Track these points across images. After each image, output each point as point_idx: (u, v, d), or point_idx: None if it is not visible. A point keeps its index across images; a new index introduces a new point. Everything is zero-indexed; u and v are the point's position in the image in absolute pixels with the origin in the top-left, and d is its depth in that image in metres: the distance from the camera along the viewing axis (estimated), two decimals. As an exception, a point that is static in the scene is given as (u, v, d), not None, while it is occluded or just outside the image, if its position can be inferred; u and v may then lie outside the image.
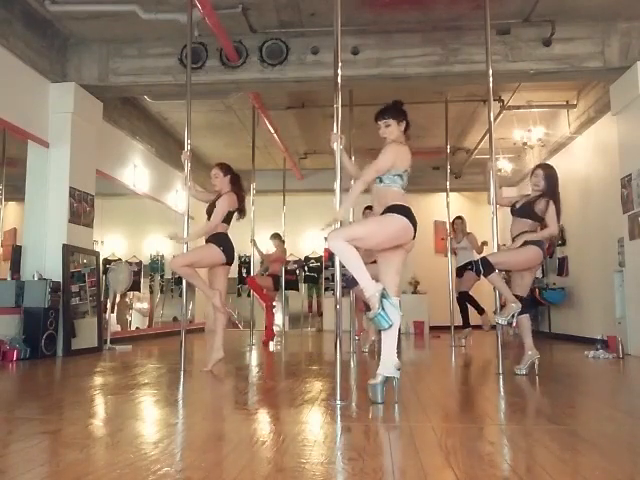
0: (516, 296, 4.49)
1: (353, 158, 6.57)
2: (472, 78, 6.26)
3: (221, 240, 4.64)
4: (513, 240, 4.61)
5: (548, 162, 6.72)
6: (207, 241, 4.67)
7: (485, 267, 4.39)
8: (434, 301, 10.73)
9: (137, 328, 9.21)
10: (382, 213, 3.26)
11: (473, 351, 6.88)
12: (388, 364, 3.15)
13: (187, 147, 4.93)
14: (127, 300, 9.14)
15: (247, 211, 5.01)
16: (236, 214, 4.86)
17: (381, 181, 3.29)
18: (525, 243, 4.48)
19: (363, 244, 3.19)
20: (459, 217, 7.89)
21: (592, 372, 4.95)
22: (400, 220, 3.18)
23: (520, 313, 4.45)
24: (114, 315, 8.03)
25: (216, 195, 4.82)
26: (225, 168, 4.89)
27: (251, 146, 8.17)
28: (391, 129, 3.35)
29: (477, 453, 2.15)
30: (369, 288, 3.05)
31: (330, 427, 2.61)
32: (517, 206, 4.64)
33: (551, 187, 4.53)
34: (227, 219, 4.73)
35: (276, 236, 8.32)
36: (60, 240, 6.14)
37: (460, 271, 7.56)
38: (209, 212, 4.74)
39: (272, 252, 8.28)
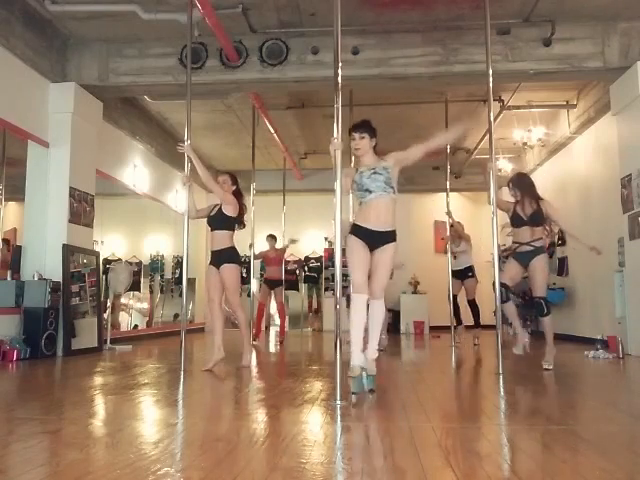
0: (540, 297, 4.77)
1: (353, 158, 6.57)
2: (472, 78, 6.26)
3: (239, 257, 4.90)
4: (521, 244, 4.79)
5: (547, 162, 6.75)
6: (229, 260, 4.78)
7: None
8: (434, 301, 10.72)
9: (135, 326, 9.22)
10: (388, 237, 3.50)
11: (473, 351, 6.88)
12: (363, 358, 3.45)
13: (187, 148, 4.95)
14: (123, 300, 9.15)
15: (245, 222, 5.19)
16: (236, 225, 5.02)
17: (393, 190, 3.56)
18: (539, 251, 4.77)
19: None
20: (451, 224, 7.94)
21: (592, 372, 4.95)
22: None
23: (546, 314, 4.77)
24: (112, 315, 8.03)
25: (217, 205, 4.92)
26: (234, 180, 5.02)
27: (251, 146, 8.16)
28: (364, 142, 3.59)
29: (477, 453, 2.15)
30: (356, 358, 3.37)
31: (330, 427, 2.61)
32: (526, 217, 4.81)
33: (531, 191, 4.91)
34: (232, 226, 4.86)
35: (269, 237, 8.40)
36: (60, 240, 6.13)
37: (459, 274, 7.56)
38: (215, 221, 4.85)
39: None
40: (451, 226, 7.80)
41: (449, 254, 7.57)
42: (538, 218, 4.80)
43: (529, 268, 4.79)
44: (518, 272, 4.87)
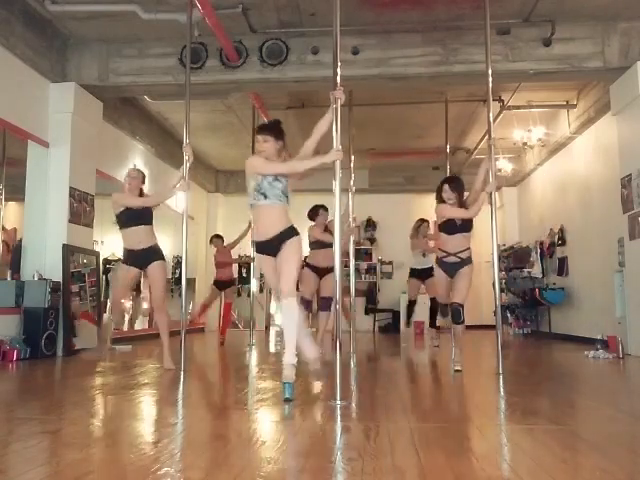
0: (458, 304, 4.55)
1: (353, 157, 6.58)
2: (472, 78, 6.25)
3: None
4: (452, 255, 4.64)
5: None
6: (159, 257, 4.76)
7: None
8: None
9: (153, 324, 9.24)
10: (287, 235, 3.31)
11: (474, 351, 6.88)
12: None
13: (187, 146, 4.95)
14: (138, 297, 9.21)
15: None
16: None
17: (287, 200, 3.37)
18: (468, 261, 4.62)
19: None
20: (425, 220, 7.72)
21: (592, 372, 4.95)
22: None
23: (462, 322, 4.56)
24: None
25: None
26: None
27: (251, 146, 8.15)
28: (267, 145, 3.43)
29: (477, 453, 2.15)
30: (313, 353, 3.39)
31: (330, 427, 2.61)
32: (458, 223, 4.69)
33: (461, 195, 4.85)
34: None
35: (215, 237, 8.06)
36: (60, 240, 6.13)
37: (423, 273, 7.31)
38: (140, 214, 4.70)
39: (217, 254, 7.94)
40: (424, 221, 7.67)
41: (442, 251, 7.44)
42: (467, 225, 4.68)
43: (455, 276, 4.62)
44: (448, 285, 4.71)
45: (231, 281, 7.88)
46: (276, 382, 4.17)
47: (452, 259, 4.63)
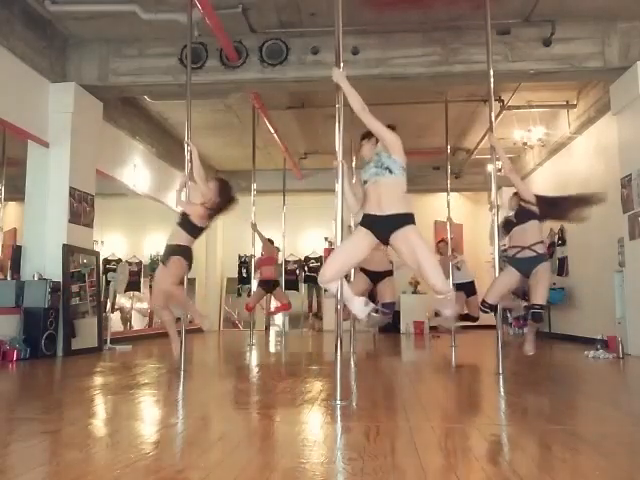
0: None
1: (354, 158, 6.57)
2: (472, 78, 6.26)
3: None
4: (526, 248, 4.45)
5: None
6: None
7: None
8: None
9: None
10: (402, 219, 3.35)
11: (474, 351, 6.88)
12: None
13: (187, 148, 4.94)
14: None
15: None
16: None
17: (391, 171, 3.52)
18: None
19: None
20: (442, 240, 7.66)
21: (592, 372, 4.95)
22: None
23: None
24: (113, 315, 8.03)
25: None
26: None
27: (251, 146, 8.16)
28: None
29: (477, 453, 2.15)
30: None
31: (330, 427, 2.61)
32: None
33: None
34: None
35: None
36: (60, 240, 6.13)
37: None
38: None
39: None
40: (441, 240, 7.64)
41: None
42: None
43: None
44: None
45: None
46: (275, 382, 4.18)
47: (528, 253, 4.32)
